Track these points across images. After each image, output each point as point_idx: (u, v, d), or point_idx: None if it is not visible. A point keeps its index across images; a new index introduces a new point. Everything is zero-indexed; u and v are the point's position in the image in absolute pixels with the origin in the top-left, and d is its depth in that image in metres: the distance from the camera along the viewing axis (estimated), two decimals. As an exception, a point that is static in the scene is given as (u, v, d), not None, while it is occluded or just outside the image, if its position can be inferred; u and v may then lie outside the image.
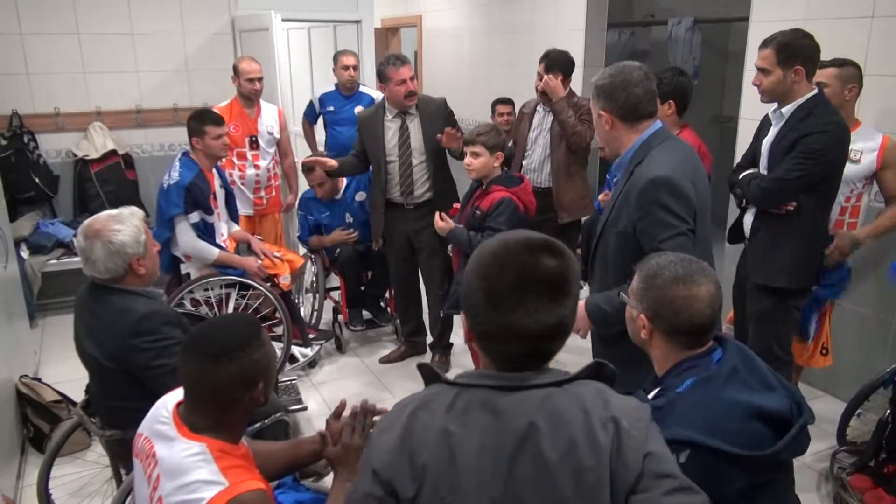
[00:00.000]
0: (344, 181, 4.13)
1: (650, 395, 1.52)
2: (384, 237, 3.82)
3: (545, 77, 3.58)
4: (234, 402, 1.47)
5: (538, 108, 3.84)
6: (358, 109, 4.67)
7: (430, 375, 1.20)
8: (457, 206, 3.39)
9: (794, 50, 2.48)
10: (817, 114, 2.49)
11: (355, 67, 4.76)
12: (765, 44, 2.54)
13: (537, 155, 3.83)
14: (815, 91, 2.55)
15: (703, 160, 2.87)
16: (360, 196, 4.17)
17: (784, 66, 2.49)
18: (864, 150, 2.80)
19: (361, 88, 4.89)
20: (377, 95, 4.76)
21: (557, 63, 3.59)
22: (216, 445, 1.42)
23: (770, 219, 2.65)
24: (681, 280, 1.47)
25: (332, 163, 3.65)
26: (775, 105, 2.63)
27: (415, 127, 3.55)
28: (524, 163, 3.88)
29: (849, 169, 2.73)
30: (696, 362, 1.48)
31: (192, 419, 1.46)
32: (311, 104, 4.96)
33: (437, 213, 3.22)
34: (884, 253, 3.15)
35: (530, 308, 1.06)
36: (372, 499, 1.09)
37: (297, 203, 4.37)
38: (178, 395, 1.55)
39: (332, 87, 4.92)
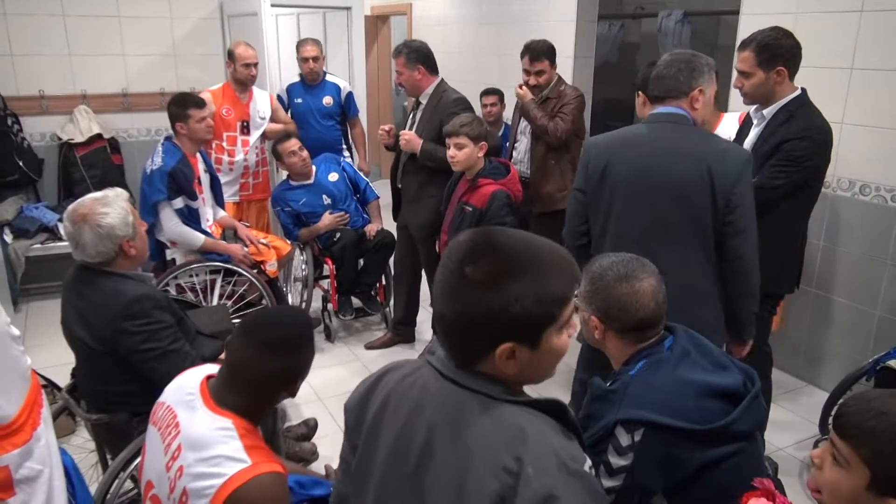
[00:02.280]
0: (314, 168, 4.10)
1: (608, 384, 1.58)
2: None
3: (516, 88, 3.69)
4: (274, 391, 1.49)
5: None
6: (327, 100, 4.59)
7: None
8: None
9: (775, 50, 2.37)
10: (799, 117, 2.39)
11: (315, 59, 4.47)
12: (744, 45, 2.43)
13: (523, 146, 3.88)
14: (798, 92, 2.45)
15: None
16: (333, 177, 4.15)
17: (765, 68, 2.38)
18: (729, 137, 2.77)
19: (328, 77, 4.68)
20: (343, 84, 4.72)
21: (542, 52, 3.64)
22: (241, 424, 1.43)
23: None
24: (623, 279, 1.56)
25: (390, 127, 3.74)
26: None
27: (419, 116, 3.57)
28: (513, 153, 3.94)
29: None
30: (648, 351, 1.56)
31: (223, 396, 1.46)
32: (279, 98, 4.62)
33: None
34: (865, 247, 3.20)
35: (445, 295, 1.05)
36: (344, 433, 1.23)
37: (269, 201, 4.28)
38: (207, 369, 1.56)
39: (297, 78, 4.66)
